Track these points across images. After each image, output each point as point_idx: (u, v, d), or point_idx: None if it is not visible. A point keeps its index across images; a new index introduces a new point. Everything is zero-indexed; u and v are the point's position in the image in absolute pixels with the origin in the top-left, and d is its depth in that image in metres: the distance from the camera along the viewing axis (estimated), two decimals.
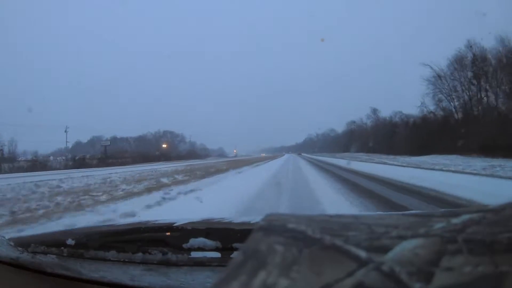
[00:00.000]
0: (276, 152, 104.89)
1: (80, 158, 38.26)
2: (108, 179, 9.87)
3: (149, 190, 6.83)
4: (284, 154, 70.93)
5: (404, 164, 16.99)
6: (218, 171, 13.30)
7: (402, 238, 0.29)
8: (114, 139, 57.22)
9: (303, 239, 0.29)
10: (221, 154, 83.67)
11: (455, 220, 0.31)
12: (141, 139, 62.04)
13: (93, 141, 58.54)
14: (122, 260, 0.80)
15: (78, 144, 58.64)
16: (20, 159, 33.91)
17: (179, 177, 10.06)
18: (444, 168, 12.43)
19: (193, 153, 61.53)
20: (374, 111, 57.34)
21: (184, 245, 0.80)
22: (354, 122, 63.57)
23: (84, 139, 60.50)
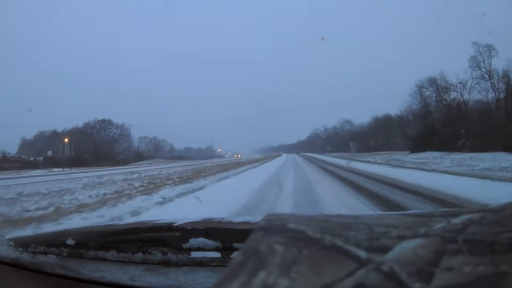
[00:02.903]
0: (267, 152, 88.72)
1: None
2: None
3: None
4: (281, 154, 56.05)
5: None
6: None
7: (402, 238, 0.29)
8: (54, 134, 43.30)
9: (303, 239, 0.29)
10: (177, 155, 61.13)
11: (455, 220, 0.31)
12: (77, 132, 44.11)
13: (39, 137, 47.13)
14: (122, 260, 0.80)
15: (24, 142, 47.41)
16: None
17: None
18: None
19: (111, 155, 40.77)
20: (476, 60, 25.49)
21: (184, 245, 0.80)
22: (425, 88, 29.89)
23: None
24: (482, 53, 26.82)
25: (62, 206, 5.42)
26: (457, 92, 28.99)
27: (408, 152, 29.80)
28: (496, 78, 26.38)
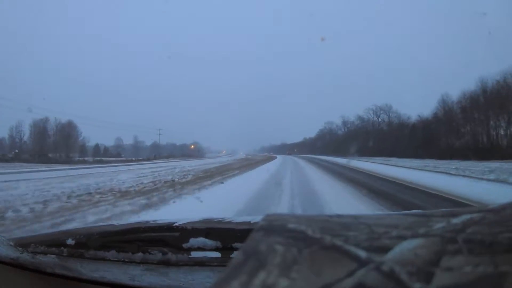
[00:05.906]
0: (263, 152, 71.89)
1: None
2: None
3: None
4: (275, 157, 35.43)
5: None
6: None
7: (402, 238, 0.29)
8: None
9: (303, 239, 0.29)
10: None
11: (455, 220, 0.31)
12: None
13: None
14: (122, 260, 0.80)
15: None
16: None
17: None
18: None
19: None
20: None
21: (184, 245, 0.80)
22: None
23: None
24: None
25: None
26: None
27: None
28: None
